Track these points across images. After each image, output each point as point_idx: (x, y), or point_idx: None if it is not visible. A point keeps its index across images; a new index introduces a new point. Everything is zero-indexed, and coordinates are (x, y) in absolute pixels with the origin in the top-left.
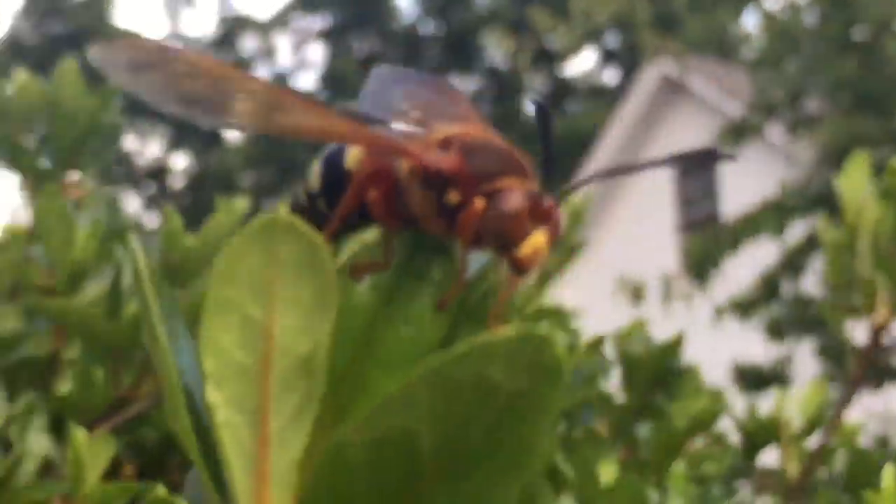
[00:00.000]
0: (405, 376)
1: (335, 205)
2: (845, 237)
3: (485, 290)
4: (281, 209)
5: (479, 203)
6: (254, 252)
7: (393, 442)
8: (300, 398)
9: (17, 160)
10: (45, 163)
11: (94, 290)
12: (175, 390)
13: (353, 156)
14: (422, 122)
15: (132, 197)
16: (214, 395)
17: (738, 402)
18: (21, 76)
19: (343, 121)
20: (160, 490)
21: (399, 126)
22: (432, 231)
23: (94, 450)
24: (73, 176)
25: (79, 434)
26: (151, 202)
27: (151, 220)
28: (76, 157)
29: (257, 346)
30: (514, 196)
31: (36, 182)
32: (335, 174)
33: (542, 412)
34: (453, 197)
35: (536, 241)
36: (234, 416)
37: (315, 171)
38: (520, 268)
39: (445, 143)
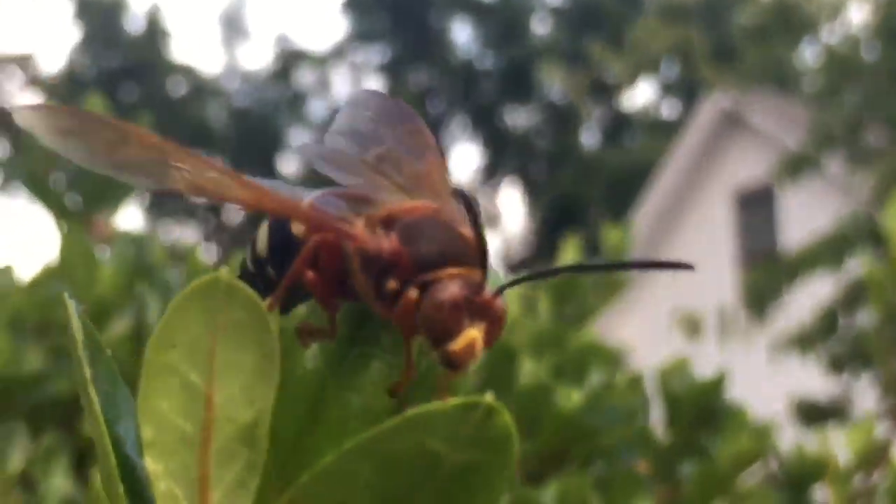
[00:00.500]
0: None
1: (283, 271)
2: (890, 272)
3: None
4: (222, 270)
5: (412, 293)
6: (194, 316)
7: None
8: (242, 468)
9: (47, 198)
10: (73, 200)
11: (119, 327)
12: (107, 460)
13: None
14: (375, 183)
15: (191, 230)
16: (154, 466)
17: (795, 438)
18: None
19: (277, 198)
20: None
21: (352, 186)
22: (376, 313)
23: None
24: (102, 214)
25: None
26: (210, 235)
27: (210, 254)
28: (104, 195)
29: (198, 414)
30: (449, 288)
31: (65, 219)
32: (282, 240)
33: (491, 484)
34: (391, 284)
35: (469, 336)
36: (174, 487)
37: (262, 236)
38: (451, 363)
39: (388, 222)
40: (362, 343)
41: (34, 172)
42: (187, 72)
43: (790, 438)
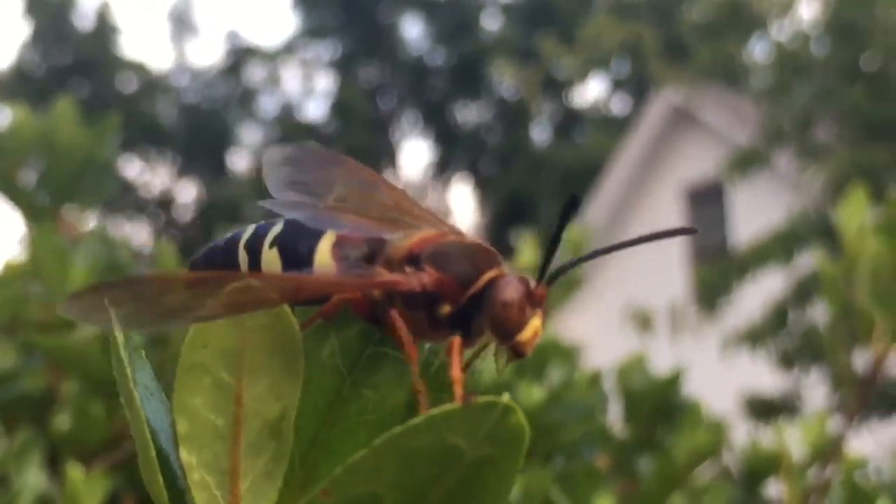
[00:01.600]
0: (369, 439)
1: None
2: (844, 269)
3: (443, 359)
4: (253, 278)
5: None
6: (225, 320)
7: None
8: (269, 459)
9: (15, 195)
10: (42, 198)
11: (90, 328)
12: (148, 452)
13: (323, 254)
14: (370, 225)
15: (141, 227)
16: (188, 457)
17: (746, 433)
18: (18, 112)
19: (313, 282)
20: None
21: (353, 229)
22: (427, 341)
23: (89, 486)
24: (71, 211)
25: (74, 471)
26: (160, 232)
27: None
28: (73, 191)
29: (228, 410)
30: (509, 288)
31: (34, 217)
32: (299, 262)
33: (504, 477)
34: (444, 309)
35: (534, 326)
36: (206, 476)
37: (272, 258)
38: (521, 352)
39: (412, 258)
40: (375, 343)
41: (2, 170)
42: (137, 68)
43: (742, 434)
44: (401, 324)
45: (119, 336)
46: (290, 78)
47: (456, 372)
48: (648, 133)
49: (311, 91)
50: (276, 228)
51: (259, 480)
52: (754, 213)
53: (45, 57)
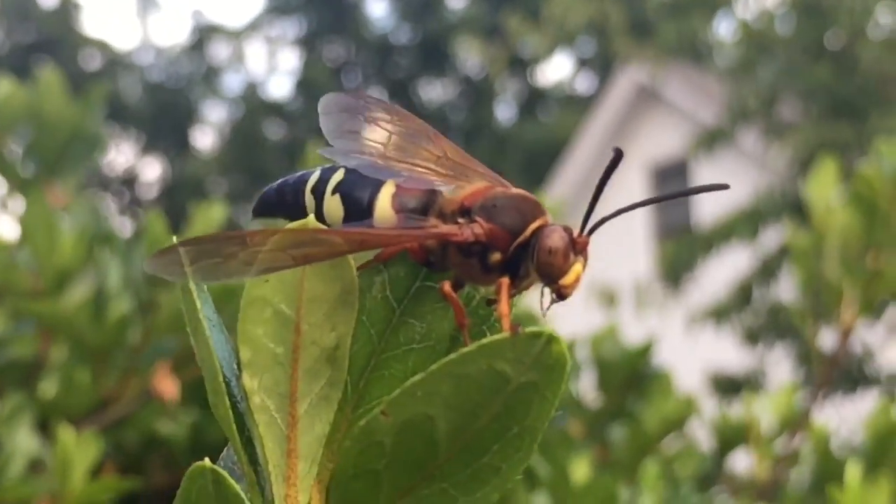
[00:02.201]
0: (417, 365)
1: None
2: (813, 243)
3: (483, 294)
4: (311, 218)
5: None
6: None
7: (414, 425)
8: (325, 385)
9: (2, 167)
10: (29, 169)
11: (79, 293)
12: (216, 377)
13: (383, 203)
14: (422, 176)
15: (105, 204)
16: (250, 382)
17: (711, 408)
18: (5, 84)
19: (377, 234)
20: (206, 462)
21: (407, 181)
22: (480, 285)
23: (80, 449)
24: (58, 182)
25: (66, 434)
26: (125, 209)
27: (125, 226)
28: (60, 164)
29: (288, 338)
30: (554, 237)
31: (21, 188)
32: (360, 210)
33: (547, 401)
34: (495, 257)
35: (577, 271)
36: (266, 400)
37: (335, 204)
38: (564, 295)
39: (464, 210)
40: (423, 278)
41: None
42: (101, 46)
43: (709, 410)
44: (454, 296)
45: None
46: (255, 56)
47: (504, 307)
48: (613, 111)
49: (276, 69)
50: (338, 175)
51: (315, 403)
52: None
53: (8, 34)
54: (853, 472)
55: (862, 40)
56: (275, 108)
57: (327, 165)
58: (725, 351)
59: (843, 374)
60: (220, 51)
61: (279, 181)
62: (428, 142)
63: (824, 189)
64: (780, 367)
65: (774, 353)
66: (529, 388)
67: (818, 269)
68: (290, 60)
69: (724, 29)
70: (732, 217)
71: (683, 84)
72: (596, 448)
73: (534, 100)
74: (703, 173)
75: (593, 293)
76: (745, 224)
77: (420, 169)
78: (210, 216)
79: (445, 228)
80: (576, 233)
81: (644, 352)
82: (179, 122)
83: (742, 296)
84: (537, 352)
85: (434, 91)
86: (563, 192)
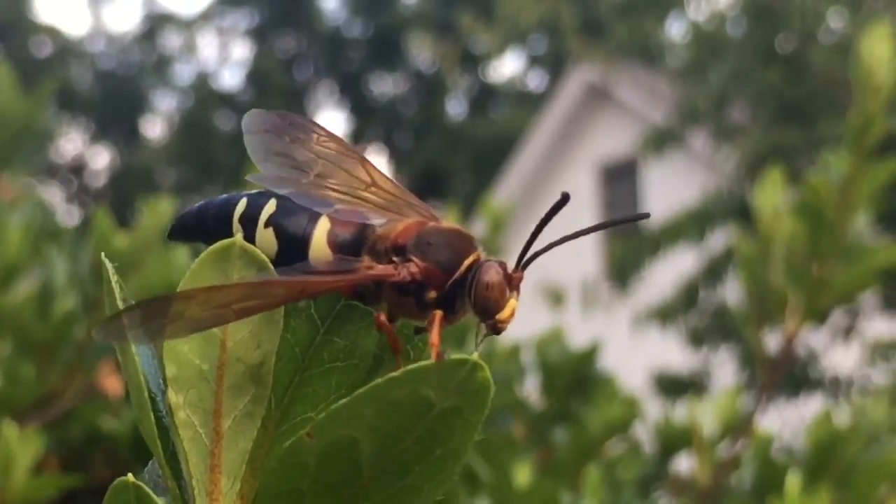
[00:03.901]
0: (340, 383)
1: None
2: (759, 249)
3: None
4: (238, 237)
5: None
6: (212, 272)
7: (338, 447)
8: (250, 401)
9: None
10: None
11: (24, 288)
12: (141, 392)
13: (319, 240)
14: (356, 208)
15: (53, 191)
16: (175, 398)
17: (655, 409)
18: None
19: (316, 282)
20: (129, 477)
21: (340, 214)
22: (416, 321)
23: (22, 444)
24: (5, 176)
25: (9, 429)
26: (72, 197)
27: (72, 216)
28: (8, 157)
29: (213, 355)
30: (490, 273)
31: None
32: (295, 246)
33: (470, 425)
34: (430, 294)
35: (513, 305)
36: (191, 415)
37: (267, 237)
38: (499, 330)
39: (398, 248)
40: (347, 297)
41: None
42: (52, 32)
43: (653, 410)
44: (389, 327)
45: (116, 289)
46: (207, 46)
47: (435, 338)
48: (564, 109)
49: (227, 59)
50: (270, 206)
51: (240, 420)
52: (668, 191)
53: None
54: (792, 482)
55: (813, 45)
56: (225, 99)
57: (254, 191)
58: (671, 351)
59: (786, 377)
60: (171, 40)
61: (199, 204)
62: (357, 167)
63: (771, 197)
64: (725, 368)
65: (719, 354)
66: (453, 413)
67: (764, 275)
68: (241, 51)
69: (675, 30)
70: (680, 218)
71: (634, 84)
72: (539, 451)
73: (485, 96)
74: (652, 174)
75: (541, 293)
76: (693, 225)
77: (352, 199)
78: (159, 210)
79: (382, 270)
80: (510, 268)
81: (589, 355)
82: (129, 111)
83: (688, 297)
84: (461, 378)
85: (385, 85)
86: (512, 190)
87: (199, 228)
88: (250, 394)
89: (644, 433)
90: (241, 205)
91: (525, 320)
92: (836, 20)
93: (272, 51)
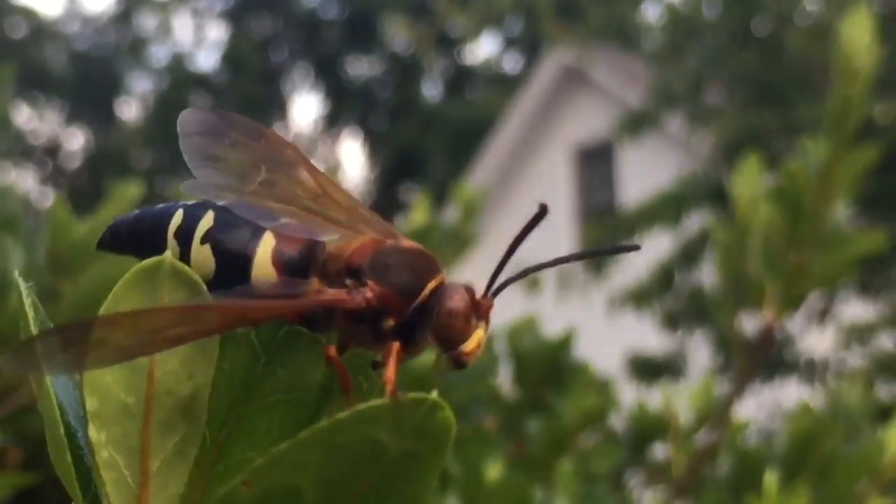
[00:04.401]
0: (283, 418)
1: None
2: (736, 235)
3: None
4: (167, 255)
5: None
6: (139, 294)
7: (279, 496)
8: (181, 439)
9: None
10: None
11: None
12: (56, 429)
13: (262, 259)
14: (303, 223)
15: (26, 173)
16: (97, 435)
17: (630, 395)
18: None
19: (256, 307)
20: None
21: (286, 229)
22: (372, 351)
23: None
24: None
25: None
26: (47, 179)
27: (46, 198)
28: None
29: (139, 388)
30: (457, 297)
31: None
32: (235, 265)
33: (430, 470)
34: (388, 323)
35: (478, 337)
36: (115, 455)
37: (204, 255)
38: (463, 363)
39: (351, 270)
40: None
41: None
42: (26, 13)
43: (628, 395)
44: (339, 362)
45: (30, 312)
46: (182, 27)
47: (391, 373)
48: (539, 92)
49: (203, 41)
50: (207, 220)
51: (170, 460)
52: (643, 173)
53: None
54: (770, 481)
55: (789, 27)
56: (201, 81)
57: (191, 202)
58: (646, 335)
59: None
60: (146, 21)
61: (135, 213)
62: (304, 175)
63: (749, 182)
64: (700, 351)
65: (694, 337)
66: (410, 458)
67: (740, 262)
68: (217, 33)
69: (651, 12)
70: (655, 201)
71: (610, 67)
72: (512, 443)
73: (461, 78)
74: (627, 156)
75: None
76: (668, 208)
77: (301, 211)
78: (127, 194)
79: (333, 294)
80: (478, 294)
81: (563, 343)
82: (104, 93)
83: (663, 280)
84: (419, 419)
85: (361, 67)
86: (488, 172)
87: (132, 240)
88: (181, 431)
89: (619, 422)
90: (177, 217)
91: (498, 307)
92: (811, 2)
93: (248, 32)
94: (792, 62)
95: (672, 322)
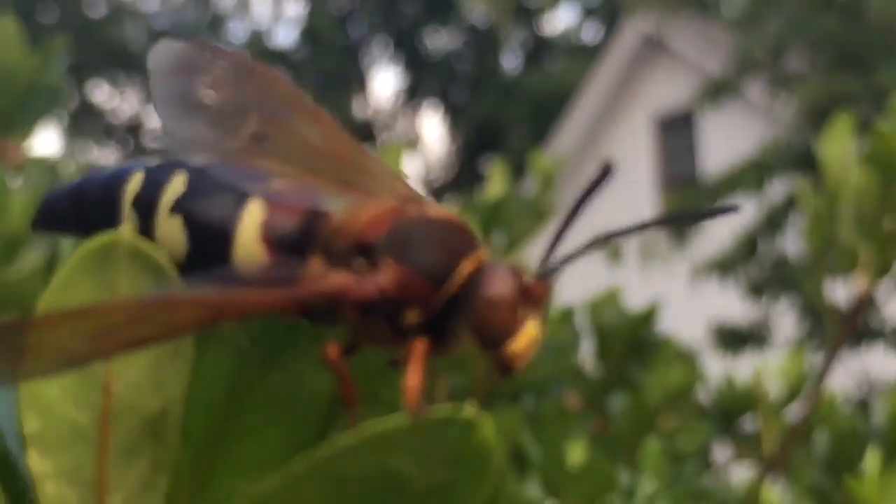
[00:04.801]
0: (281, 440)
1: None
2: (826, 202)
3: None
4: (123, 230)
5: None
6: (88, 285)
7: None
8: (147, 467)
9: None
10: None
11: (30, 261)
12: None
13: (248, 234)
14: (300, 185)
15: (109, 152)
16: (40, 465)
17: (715, 365)
18: None
19: (248, 301)
20: None
21: (281, 194)
22: (383, 347)
23: None
24: (12, 139)
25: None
26: (129, 158)
27: None
28: (16, 117)
29: (94, 403)
30: (500, 283)
31: None
32: (213, 243)
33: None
34: (411, 317)
35: (530, 333)
36: (65, 489)
37: (173, 230)
38: (510, 366)
39: (364, 247)
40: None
41: None
42: None
43: (712, 365)
44: (341, 367)
45: None
46: (260, 4)
47: (414, 379)
48: (618, 61)
49: (281, 17)
50: (177, 184)
51: (134, 493)
52: (725, 141)
53: None
54: (872, 461)
55: None
56: (280, 57)
57: (154, 163)
58: (729, 304)
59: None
60: None
61: (76, 182)
62: (304, 122)
63: (838, 147)
64: (785, 320)
65: (779, 305)
66: (439, 492)
67: (830, 229)
68: (295, 9)
69: None
70: (738, 169)
71: (689, 34)
72: (594, 421)
73: (540, 49)
74: (708, 124)
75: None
76: (751, 176)
77: (299, 170)
78: None
79: (338, 280)
80: (527, 277)
81: (647, 317)
82: None
83: (747, 248)
84: (451, 444)
85: (440, 40)
86: (567, 145)
87: (74, 216)
88: (148, 457)
89: (705, 395)
90: (135, 181)
91: (580, 279)
92: None
93: (326, 7)
94: (874, 26)
95: (756, 291)
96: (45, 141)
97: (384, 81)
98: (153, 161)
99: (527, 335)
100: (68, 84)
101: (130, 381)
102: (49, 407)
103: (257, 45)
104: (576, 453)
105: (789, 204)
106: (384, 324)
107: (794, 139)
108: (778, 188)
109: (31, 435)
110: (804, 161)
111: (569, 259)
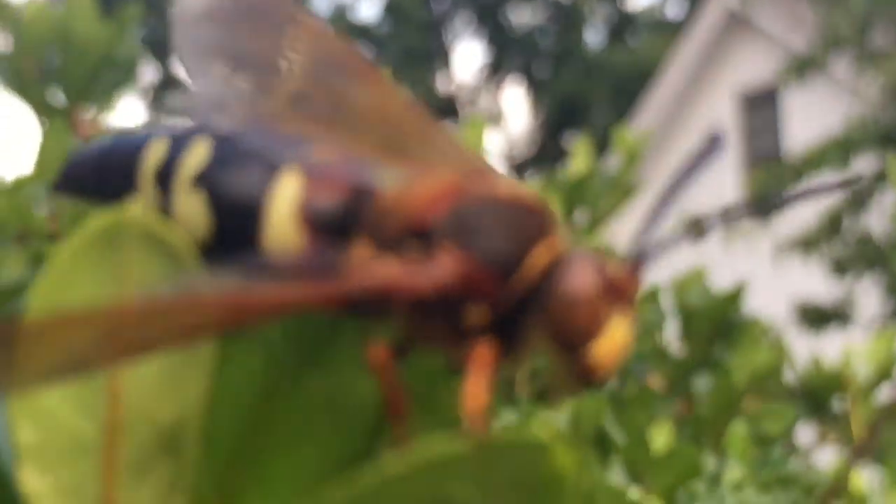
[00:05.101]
0: (321, 455)
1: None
2: None
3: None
4: (133, 207)
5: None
6: (93, 273)
7: None
8: (161, 486)
9: (28, 93)
10: (56, 96)
11: None
12: None
13: (281, 214)
14: (347, 153)
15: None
16: (37, 482)
17: (799, 343)
18: (32, 3)
19: (276, 299)
20: None
21: (322, 163)
22: (442, 349)
23: None
24: (86, 111)
25: None
26: None
27: None
28: (89, 90)
29: (100, 413)
30: (581, 276)
31: (47, 116)
32: (240, 223)
33: None
34: (475, 312)
35: (617, 334)
36: None
37: (193, 207)
38: (591, 376)
39: (418, 229)
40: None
41: (15, 66)
42: None
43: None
44: (389, 372)
45: None
46: None
47: (476, 389)
48: (702, 37)
49: None
50: (199, 153)
51: None
52: (809, 118)
53: None
54: None
55: None
56: (363, 32)
57: (180, 128)
58: (814, 282)
59: None
60: None
61: (99, 144)
62: (354, 82)
63: None
64: (870, 297)
65: (863, 283)
66: None
67: None
68: None
69: None
70: (823, 146)
71: (774, 10)
72: (679, 402)
73: (623, 25)
74: (793, 101)
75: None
76: (836, 153)
77: (344, 137)
78: None
79: (388, 271)
80: (614, 267)
81: (733, 298)
82: None
83: (831, 226)
84: (520, 469)
85: (523, 15)
86: (650, 121)
87: (95, 183)
88: (163, 474)
89: (790, 375)
90: (156, 149)
91: (666, 257)
92: None
93: None
94: None
95: (840, 269)
96: (130, 115)
97: (467, 57)
98: (174, 126)
99: (613, 338)
100: (148, 57)
101: (143, 385)
102: (48, 415)
103: (341, 19)
104: (660, 437)
105: (874, 181)
106: (441, 322)
107: (879, 116)
108: (863, 165)
109: (27, 447)
110: (890, 138)
111: (662, 247)
